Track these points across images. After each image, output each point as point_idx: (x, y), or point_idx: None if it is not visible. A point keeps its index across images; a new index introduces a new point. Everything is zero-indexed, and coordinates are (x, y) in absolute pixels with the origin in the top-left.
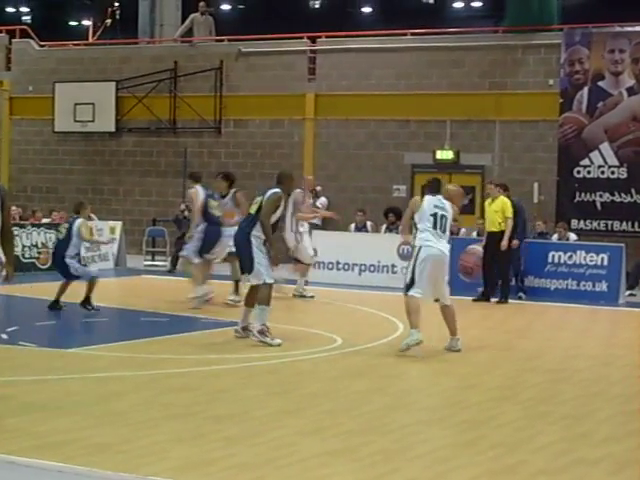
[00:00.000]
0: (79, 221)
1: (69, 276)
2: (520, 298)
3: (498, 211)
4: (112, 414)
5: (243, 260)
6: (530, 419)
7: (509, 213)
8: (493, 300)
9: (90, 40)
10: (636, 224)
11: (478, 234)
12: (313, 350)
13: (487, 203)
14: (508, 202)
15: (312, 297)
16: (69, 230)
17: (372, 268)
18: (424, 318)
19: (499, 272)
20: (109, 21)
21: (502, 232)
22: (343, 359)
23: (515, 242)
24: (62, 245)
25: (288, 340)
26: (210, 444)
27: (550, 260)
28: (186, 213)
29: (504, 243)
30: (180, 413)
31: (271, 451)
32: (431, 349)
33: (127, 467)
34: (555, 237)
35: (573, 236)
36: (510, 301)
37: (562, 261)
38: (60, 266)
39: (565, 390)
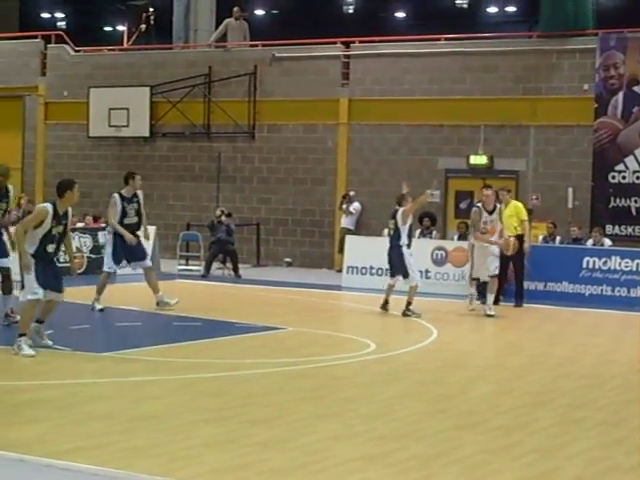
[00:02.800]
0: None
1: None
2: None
3: (512, 215)
4: (146, 418)
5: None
6: (565, 425)
7: (524, 216)
8: (504, 304)
9: (125, 45)
10: None
11: None
12: (347, 355)
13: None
14: (521, 205)
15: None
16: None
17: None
18: (453, 322)
19: (517, 276)
20: (144, 26)
21: (518, 236)
22: (377, 364)
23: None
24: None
25: (322, 345)
26: (244, 448)
27: (585, 265)
28: (223, 218)
29: (527, 245)
30: (214, 417)
31: (305, 456)
32: (465, 355)
33: (161, 471)
34: (590, 242)
35: (608, 241)
36: (537, 306)
37: (597, 267)
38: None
39: (600, 396)
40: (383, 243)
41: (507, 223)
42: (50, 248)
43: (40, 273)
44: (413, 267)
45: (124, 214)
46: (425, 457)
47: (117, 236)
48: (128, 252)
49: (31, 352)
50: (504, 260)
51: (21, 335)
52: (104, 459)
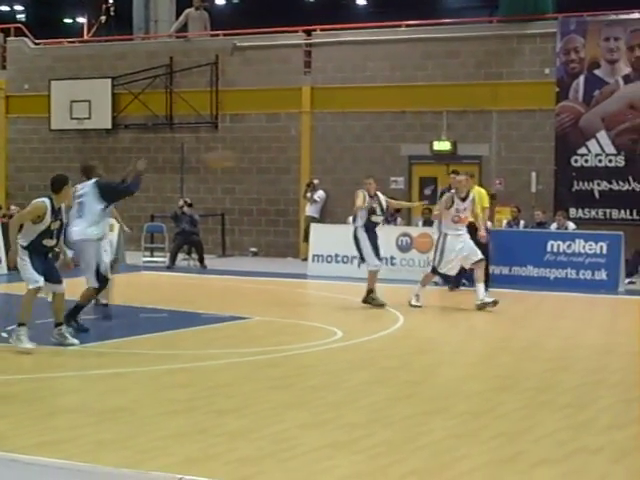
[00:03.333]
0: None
1: None
2: (464, 285)
3: (476, 202)
4: (113, 411)
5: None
6: (531, 408)
7: (486, 203)
8: (468, 289)
9: (85, 37)
10: (634, 212)
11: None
12: (314, 343)
13: None
14: (484, 192)
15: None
16: None
17: None
18: (418, 309)
19: None
20: (104, 18)
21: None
22: (344, 352)
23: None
24: None
25: (289, 334)
26: (212, 439)
27: (549, 249)
28: (185, 209)
29: (482, 233)
30: (181, 408)
31: (273, 445)
32: (431, 341)
33: (129, 463)
34: (554, 226)
35: (572, 225)
36: (502, 290)
37: (561, 250)
38: None
39: (565, 379)
40: (348, 231)
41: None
42: (47, 242)
43: (37, 264)
44: (369, 250)
45: None
46: (393, 443)
47: None
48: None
49: (30, 345)
50: None
51: (20, 325)
52: (71, 453)
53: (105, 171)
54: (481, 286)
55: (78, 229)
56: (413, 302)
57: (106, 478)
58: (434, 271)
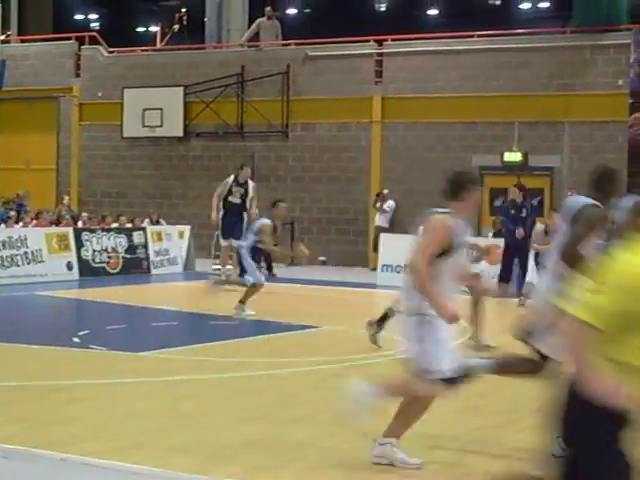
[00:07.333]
0: None
1: None
2: None
3: None
4: (183, 417)
5: None
6: None
7: None
8: None
9: (158, 46)
10: None
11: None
12: (383, 354)
13: None
14: None
15: None
16: None
17: None
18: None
19: None
20: (177, 27)
21: None
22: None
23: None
24: None
25: (358, 343)
26: (281, 447)
27: None
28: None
29: None
30: (250, 416)
31: (341, 454)
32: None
33: (199, 469)
34: None
35: None
36: None
37: None
38: None
39: None
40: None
41: None
42: None
43: None
44: None
45: None
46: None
47: None
48: None
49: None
50: None
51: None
52: (142, 458)
53: (176, 179)
54: None
55: None
56: None
57: None
58: None
